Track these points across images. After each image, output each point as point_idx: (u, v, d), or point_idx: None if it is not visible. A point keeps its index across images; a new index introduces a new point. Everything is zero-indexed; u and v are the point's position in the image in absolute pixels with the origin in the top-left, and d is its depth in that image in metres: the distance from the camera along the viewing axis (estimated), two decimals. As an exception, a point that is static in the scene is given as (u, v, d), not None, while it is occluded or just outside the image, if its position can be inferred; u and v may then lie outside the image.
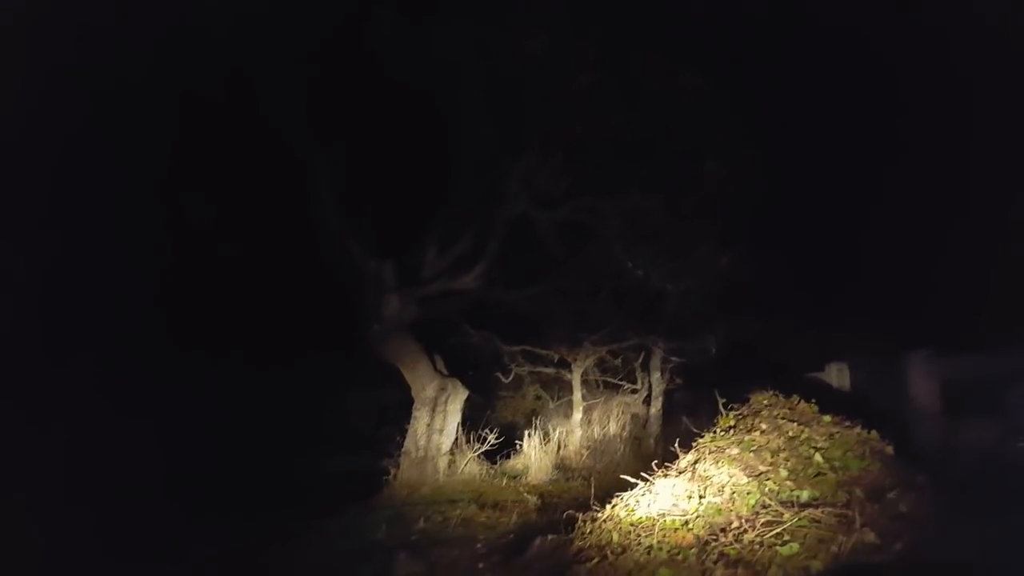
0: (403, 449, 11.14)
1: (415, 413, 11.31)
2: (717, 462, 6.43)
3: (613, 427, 13.10)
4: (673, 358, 13.45)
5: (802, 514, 5.42)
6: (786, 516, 5.43)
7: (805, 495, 5.81)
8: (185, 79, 9.41)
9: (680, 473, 6.57)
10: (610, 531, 5.98)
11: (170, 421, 10.59)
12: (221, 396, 11.97)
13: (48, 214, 9.23)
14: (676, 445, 7.16)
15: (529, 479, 10.90)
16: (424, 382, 11.36)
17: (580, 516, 6.44)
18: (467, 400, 11.61)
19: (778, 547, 5.13)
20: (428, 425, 11.18)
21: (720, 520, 5.65)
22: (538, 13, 9.81)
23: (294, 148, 10.39)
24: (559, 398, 14.51)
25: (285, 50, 9.69)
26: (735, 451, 6.54)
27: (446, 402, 11.33)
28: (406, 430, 11.33)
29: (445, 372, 11.72)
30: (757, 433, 6.81)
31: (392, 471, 10.87)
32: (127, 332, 10.39)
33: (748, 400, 7.70)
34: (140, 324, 10.63)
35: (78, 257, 9.62)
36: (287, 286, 12.37)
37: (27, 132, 8.39)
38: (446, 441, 11.22)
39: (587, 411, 13.23)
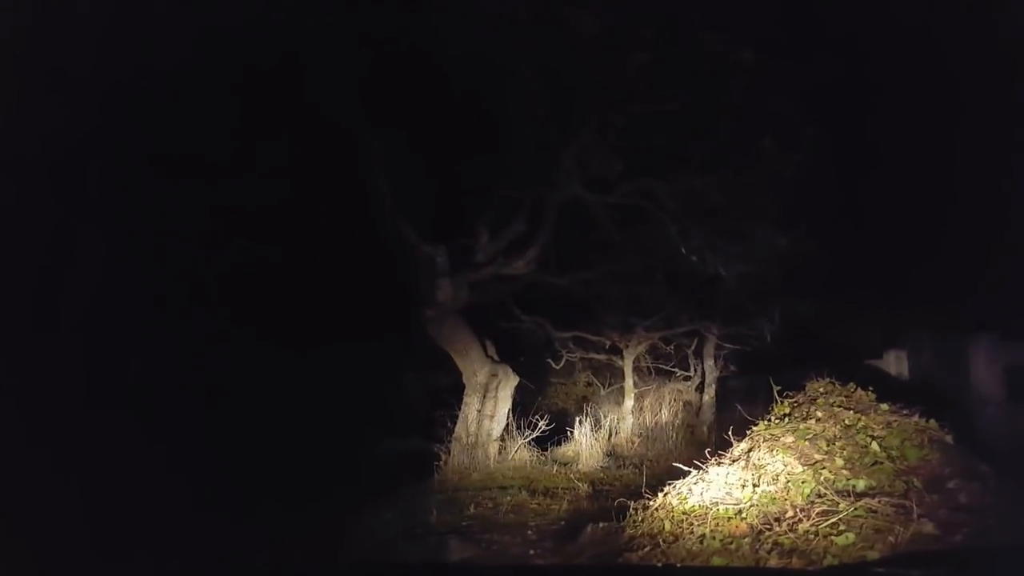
0: (454, 435, 11.19)
1: (466, 399, 11.35)
2: (772, 450, 6.33)
3: (665, 415, 13.04)
4: (727, 345, 13.31)
5: (858, 504, 5.30)
6: (842, 506, 5.32)
7: (861, 484, 5.69)
8: (240, 62, 9.52)
9: (734, 461, 6.48)
10: (662, 519, 5.93)
11: (224, 403, 10.77)
12: (275, 378, 12.16)
13: (112, 196, 9.46)
14: (729, 433, 7.07)
15: (580, 466, 10.88)
16: (475, 368, 11.39)
17: (632, 504, 6.40)
18: (518, 386, 11.62)
19: (834, 537, 5.03)
20: (479, 411, 11.22)
21: (774, 509, 5.56)
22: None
23: (349, 131, 10.43)
24: (610, 385, 14.49)
25: (338, 32, 9.73)
26: (790, 439, 6.43)
27: (497, 388, 11.36)
28: (457, 415, 11.38)
29: (496, 358, 11.74)
30: (813, 421, 6.69)
31: (443, 456, 10.91)
32: (181, 316, 10.58)
33: (803, 387, 7.57)
34: (195, 308, 10.83)
35: (137, 235, 9.84)
36: (343, 269, 12.48)
37: (84, 109, 8.58)
38: (497, 427, 11.25)
39: (639, 398, 13.19)
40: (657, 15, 9.86)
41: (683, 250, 11.06)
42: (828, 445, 6.27)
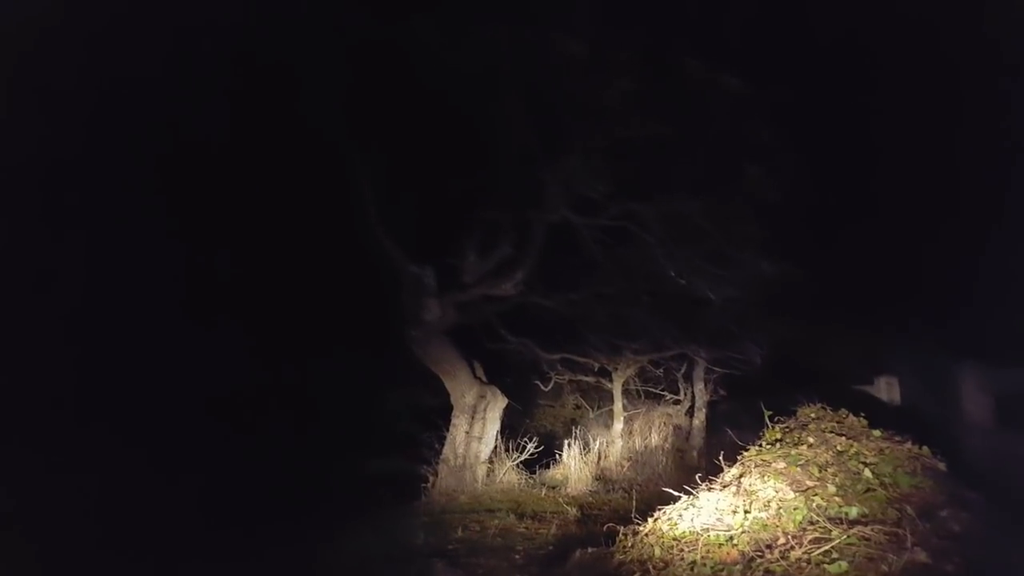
0: (442, 456, 11.08)
1: (454, 420, 11.24)
2: (763, 476, 6.27)
3: (655, 438, 12.95)
4: (717, 368, 13.24)
5: (851, 531, 5.25)
6: (834, 533, 5.27)
7: (854, 512, 5.64)
8: (228, 82, 9.52)
9: (724, 487, 6.43)
10: (652, 545, 5.86)
11: (210, 423, 10.67)
12: (260, 397, 12.07)
13: (101, 216, 9.43)
14: (720, 458, 7.01)
15: (568, 490, 10.77)
16: (463, 389, 11.29)
17: (621, 529, 6.32)
18: (506, 408, 11.52)
19: (826, 565, 4.97)
20: (467, 432, 11.11)
21: (766, 536, 5.50)
22: (578, 15, 9.72)
23: (336, 152, 10.40)
24: (599, 407, 14.39)
25: (327, 54, 9.72)
26: (781, 465, 6.38)
27: (485, 409, 11.25)
28: (444, 436, 11.28)
29: (484, 379, 11.64)
30: (804, 447, 6.65)
31: (430, 478, 10.80)
32: (168, 334, 10.51)
33: (795, 413, 7.54)
34: (181, 325, 10.76)
35: (124, 256, 9.80)
36: (330, 289, 12.44)
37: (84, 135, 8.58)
38: (485, 449, 11.14)
39: (628, 421, 13.10)
40: (643, 40, 9.90)
41: (671, 273, 11.03)
42: (820, 471, 6.22)
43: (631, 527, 6.34)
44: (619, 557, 5.99)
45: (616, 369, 13.20)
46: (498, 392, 11.40)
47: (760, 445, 7.06)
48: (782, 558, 5.15)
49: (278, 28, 9.25)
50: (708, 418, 13.47)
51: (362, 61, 9.92)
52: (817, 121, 11.63)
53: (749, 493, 6.13)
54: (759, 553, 5.29)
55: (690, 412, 13.73)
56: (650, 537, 6.03)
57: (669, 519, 6.17)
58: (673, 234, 10.91)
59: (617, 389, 13.15)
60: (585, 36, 9.79)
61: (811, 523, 5.51)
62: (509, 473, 11.06)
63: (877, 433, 6.85)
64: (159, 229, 10.08)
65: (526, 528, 8.57)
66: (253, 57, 9.41)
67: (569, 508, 9.35)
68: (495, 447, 11.29)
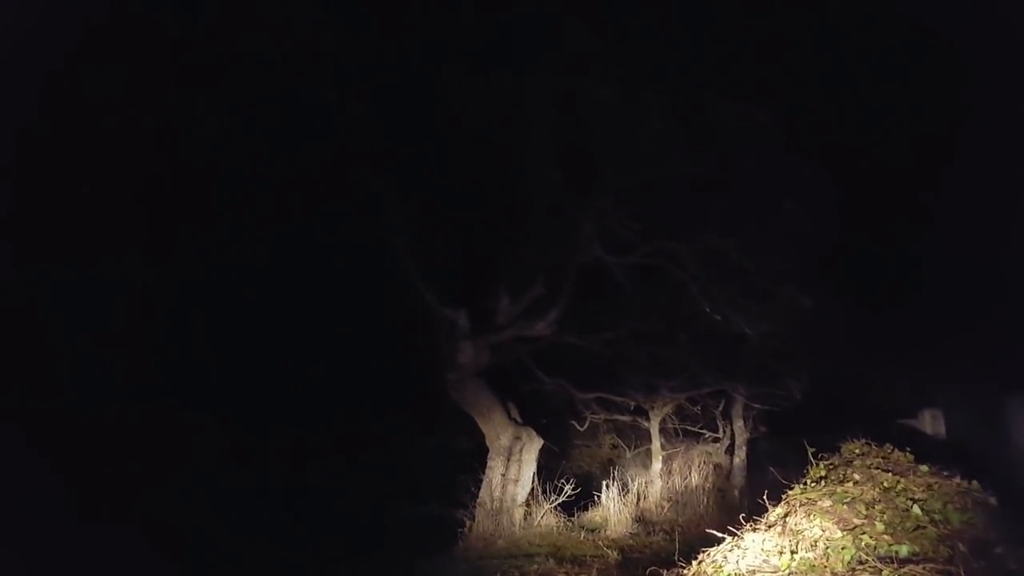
0: (478, 500, 10.97)
1: (490, 463, 11.15)
2: (809, 515, 6.11)
3: (695, 478, 12.75)
4: (756, 405, 13.04)
5: (902, 571, 5.09)
6: (885, 573, 5.11)
7: (904, 550, 5.47)
8: (264, 130, 9.69)
9: (769, 527, 6.26)
10: (697, 589, 5.72)
11: (246, 468, 10.70)
12: (296, 442, 12.09)
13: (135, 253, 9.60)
14: (764, 497, 6.86)
15: (608, 532, 10.59)
16: (498, 431, 11.20)
17: (664, 573, 6.19)
18: (542, 449, 11.41)
19: (878, 607, 4.82)
20: (503, 475, 11.00)
21: (814, 578, 5.35)
22: (609, 58, 9.76)
23: (370, 197, 10.49)
24: (636, 447, 14.22)
25: (361, 100, 9.84)
26: (827, 503, 6.23)
27: (521, 451, 11.15)
28: (480, 480, 11.18)
29: (519, 420, 11.55)
30: (850, 484, 6.51)
31: (467, 523, 10.68)
32: (206, 377, 10.61)
33: (838, 449, 7.39)
34: (221, 370, 10.86)
35: (168, 311, 9.92)
36: (364, 333, 12.48)
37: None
38: (521, 492, 11.02)
39: (667, 461, 12.92)
40: (673, 78, 9.91)
41: (707, 309, 10.92)
42: (867, 509, 6.07)
43: (674, 570, 6.21)
44: (663, 602, 5.86)
45: (652, 407, 13.05)
46: (533, 433, 11.30)
47: (804, 483, 6.91)
48: (832, 600, 5.01)
49: (314, 79, 9.41)
50: (749, 456, 13.25)
51: (395, 106, 10.03)
52: (857, 154, 11.54)
53: (795, 533, 5.97)
54: (808, 595, 5.15)
55: (730, 450, 13.53)
56: (695, 581, 5.89)
57: (714, 562, 6.02)
58: (708, 270, 10.83)
59: (654, 428, 13.00)
60: (614, 77, 9.84)
61: (860, 563, 5.35)
62: (547, 516, 10.90)
63: (924, 468, 6.70)
64: (195, 274, 10.22)
65: (566, 573, 8.44)
66: (290, 108, 9.57)
67: (610, 552, 9.19)
68: (532, 489, 11.16)
